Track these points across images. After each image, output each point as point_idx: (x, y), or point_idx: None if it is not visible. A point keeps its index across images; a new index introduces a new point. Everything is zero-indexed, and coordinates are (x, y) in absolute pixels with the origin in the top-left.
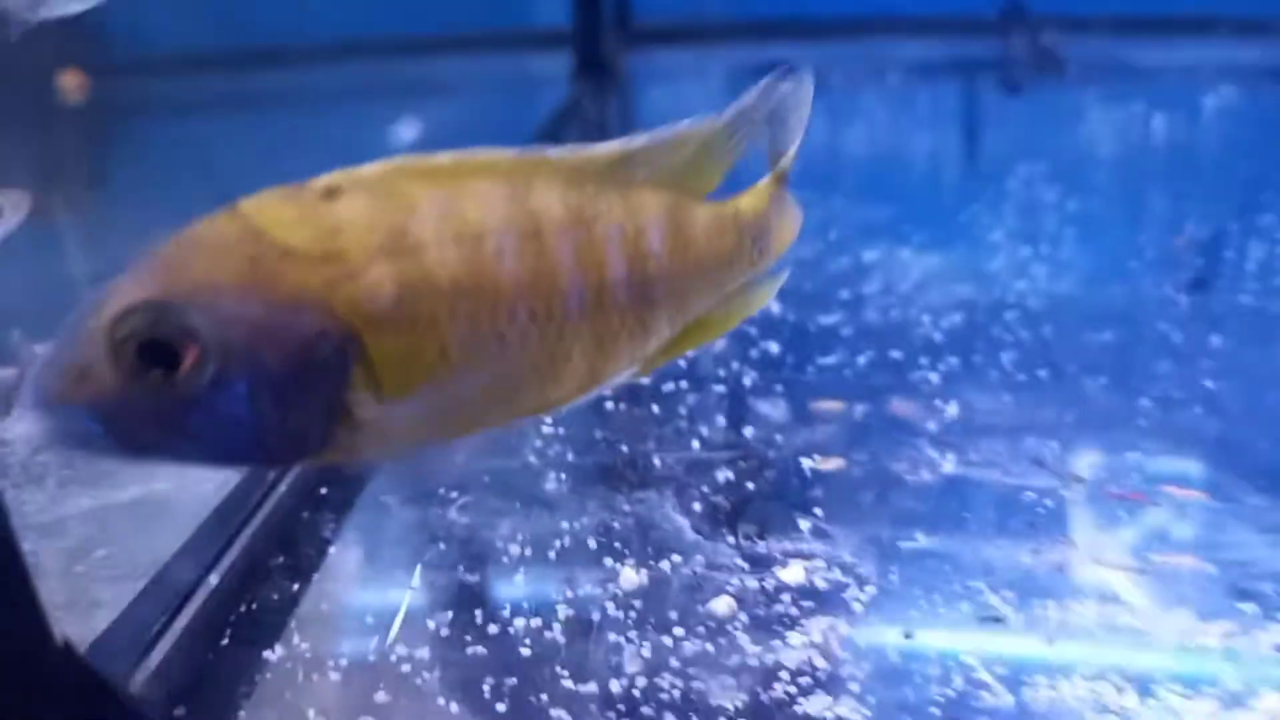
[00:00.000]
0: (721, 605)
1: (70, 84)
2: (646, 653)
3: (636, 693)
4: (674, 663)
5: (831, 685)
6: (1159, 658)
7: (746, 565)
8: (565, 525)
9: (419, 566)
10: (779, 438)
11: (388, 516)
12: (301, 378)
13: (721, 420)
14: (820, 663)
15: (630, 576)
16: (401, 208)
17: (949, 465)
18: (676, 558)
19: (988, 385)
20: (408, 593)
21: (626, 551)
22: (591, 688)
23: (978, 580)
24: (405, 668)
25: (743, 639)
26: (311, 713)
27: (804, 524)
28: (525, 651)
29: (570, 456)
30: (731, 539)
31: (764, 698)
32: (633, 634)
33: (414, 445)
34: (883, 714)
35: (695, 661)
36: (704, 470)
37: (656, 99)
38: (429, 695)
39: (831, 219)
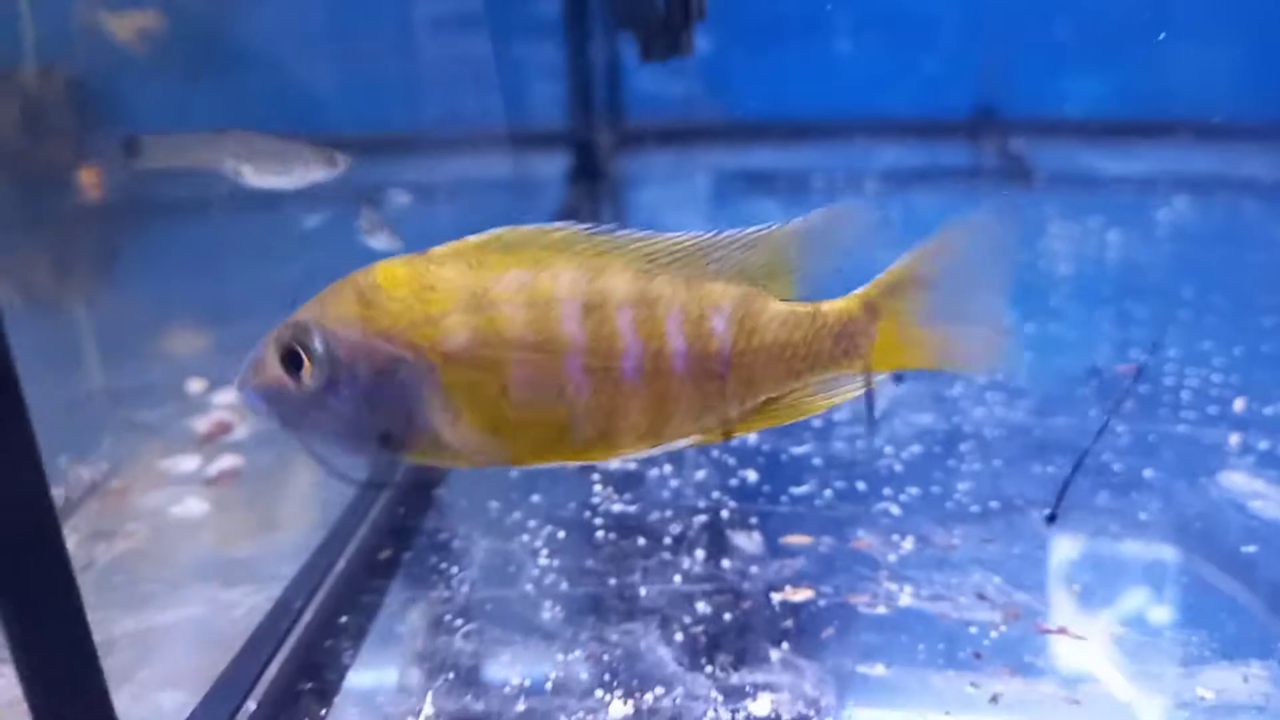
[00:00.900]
0: None
1: (88, 181)
2: None
3: None
4: None
5: None
6: None
7: (720, 697)
8: (560, 656)
9: (429, 694)
10: (754, 569)
11: (399, 645)
12: (386, 390)
13: (701, 553)
14: None
15: (619, 708)
16: (487, 275)
17: (906, 598)
18: (659, 689)
19: (943, 518)
20: None
21: (615, 683)
22: None
23: (930, 710)
24: None
25: None
26: None
27: (774, 654)
28: None
29: (564, 586)
30: (709, 669)
31: None
32: None
33: (483, 461)
34: None
35: None
36: (685, 602)
37: (645, 199)
38: None
39: None
